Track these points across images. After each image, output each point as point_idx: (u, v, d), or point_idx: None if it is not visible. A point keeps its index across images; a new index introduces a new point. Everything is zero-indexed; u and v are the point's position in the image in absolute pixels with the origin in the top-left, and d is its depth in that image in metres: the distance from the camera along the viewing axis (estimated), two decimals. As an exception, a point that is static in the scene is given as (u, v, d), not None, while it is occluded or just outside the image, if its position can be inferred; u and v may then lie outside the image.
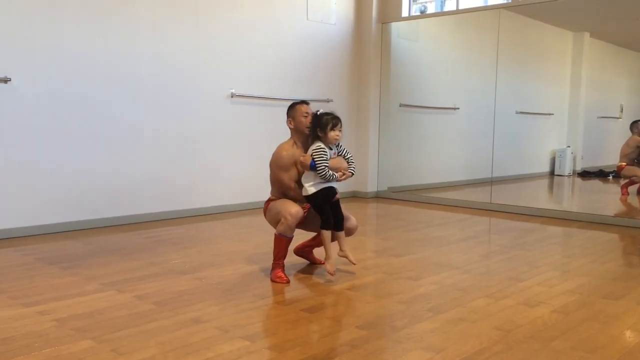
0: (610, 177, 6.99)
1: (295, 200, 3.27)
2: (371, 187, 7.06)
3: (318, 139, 3.22)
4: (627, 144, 6.30)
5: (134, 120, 4.93)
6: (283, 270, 3.26)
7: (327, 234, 3.26)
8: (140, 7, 4.89)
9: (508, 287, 3.16)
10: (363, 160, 7.00)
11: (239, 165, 5.69)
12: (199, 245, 4.17)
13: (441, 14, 6.93)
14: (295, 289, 3.11)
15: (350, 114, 6.90)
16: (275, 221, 3.27)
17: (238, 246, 4.15)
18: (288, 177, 3.26)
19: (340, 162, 3.29)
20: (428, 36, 7.48)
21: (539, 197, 7.31)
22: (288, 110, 3.35)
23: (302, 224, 3.30)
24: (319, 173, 3.15)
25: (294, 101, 3.40)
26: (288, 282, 3.20)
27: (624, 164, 6.27)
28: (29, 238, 4.29)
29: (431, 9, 7.10)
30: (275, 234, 3.23)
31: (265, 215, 3.40)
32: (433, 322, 2.59)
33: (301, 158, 3.21)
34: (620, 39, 7.06)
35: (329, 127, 3.18)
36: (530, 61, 7.42)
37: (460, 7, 6.57)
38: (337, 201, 3.31)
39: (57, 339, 2.32)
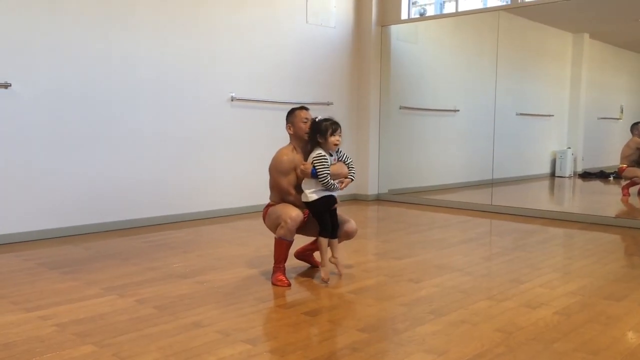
0: (611, 178, 6.99)
1: (294, 205, 3.27)
2: (372, 190, 7.05)
3: (318, 144, 3.22)
4: (627, 146, 6.31)
5: (134, 124, 4.93)
6: (284, 274, 3.26)
7: (324, 241, 3.27)
8: (140, 10, 4.90)
9: (509, 289, 3.16)
10: (363, 163, 7.00)
11: (239, 169, 5.69)
12: (199, 249, 4.17)
13: (440, 16, 6.94)
14: (296, 292, 3.11)
15: (351, 116, 6.90)
16: (275, 225, 3.26)
17: (238, 250, 4.15)
18: (287, 182, 3.26)
19: (341, 168, 3.29)
20: (427, 38, 7.49)
21: (539, 199, 7.30)
22: (287, 115, 3.36)
23: (302, 228, 3.30)
24: (321, 181, 3.15)
25: (293, 107, 3.40)
26: (289, 285, 3.20)
27: (624, 165, 6.27)
28: (29, 243, 4.29)
29: (430, 11, 7.10)
30: (275, 238, 3.23)
31: (264, 220, 3.39)
32: (435, 324, 2.58)
33: (302, 167, 3.21)
34: (620, 40, 7.06)
35: (328, 133, 3.18)
36: (530, 63, 7.42)
37: (460, 9, 6.58)
38: (335, 209, 3.31)
39: (58, 344, 2.32)
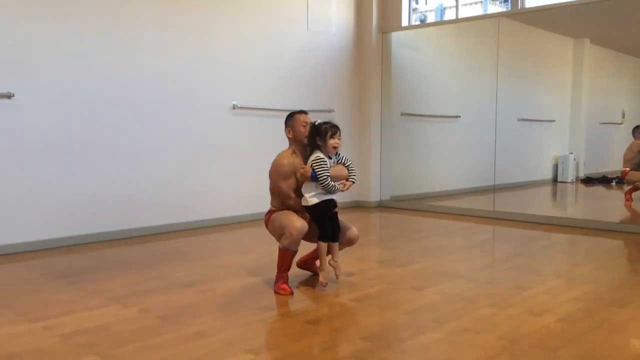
0: (614, 183, 6.98)
1: (294, 209, 3.28)
2: (374, 197, 7.06)
3: (317, 148, 3.22)
4: (630, 149, 6.30)
5: (136, 133, 4.95)
6: (287, 282, 3.26)
7: (324, 245, 3.26)
8: (142, 21, 4.93)
9: (513, 296, 3.15)
10: (365, 170, 7.01)
11: (241, 177, 5.70)
12: (202, 257, 4.17)
13: (441, 23, 6.96)
14: (299, 301, 3.11)
15: (352, 123, 6.91)
16: (279, 233, 3.27)
17: (241, 258, 4.15)
18: (287, 186, 3.26)
19: (341, 170, 3.29)
20: (428, 45, 7.51)
21: (542, 204, 7.30)
22: (287, 119, 3.37)
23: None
24: (321, 183, 3.15)
25: (292, 111, 3.41)
26: (292, 294, 3.20)
27: (627, 169, 6.27)
28: (33, 253, 4.30)
29: (431, 18, 7.13)
30: (279, 247, 3.23)
31: (266, 226, 3.40)
32: (438, 332, 2.58)
33: (301, 170, 3.22)
34: (621, 45, 7.07)
35: (328, 136, 3.19)
36: (531, 68, 7.43)
37: (460, 16, 6.60)
38: (336, 213, 3.31)
39: (62, 355, 2.33)
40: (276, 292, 3.22)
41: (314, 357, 2.30)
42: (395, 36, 7.01)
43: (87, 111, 4.63)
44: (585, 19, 6.42)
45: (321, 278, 3.28)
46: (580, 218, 5.82)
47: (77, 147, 4.60)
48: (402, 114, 7.21)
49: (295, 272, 3.59)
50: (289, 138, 3.36)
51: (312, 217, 3.28)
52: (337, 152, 3.32)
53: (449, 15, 6.94)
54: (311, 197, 3.20)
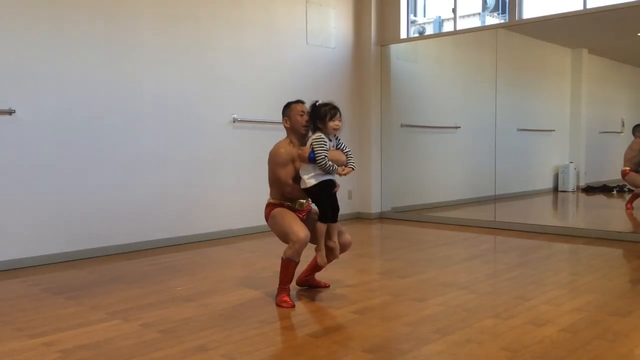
0: (615, 192, 6.97)
1: (293, 197, 3.27)
2: (375, 208, 7.05)
3: (318, 130, 3.21)
4: (630, 148, 6.28)
5: (137, 147, 4.97)
6: (289, 295, 3.25)
7: (323, 227, 3.24)
8: (143, 35, 4.97)
9: (515, 307, 3.14)
10: (366, 181, 7.01)
11: (242, 190, 5.71)
12: (203, 271, 4.16)
13: (439, 35, 7.00)
14: (301, 314, 3.10)
15: (352, 135, 6.93)
16: (281, 234, 3.26)
17: (242, 271, 4.14)
18: (285, 174, 3.26)
19: (339, 155, 3.26)
20: (427, 57, 7.55)
21: (543, 214, 7.29)
22: (284, 109, 3.38)
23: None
24: (319, 163, 3.12)
25: (289, 101, 3.41)
26: (293, 306, 3.19)
27: (627, 168, 6.24)
28: (33, 268, 4.30)
29: (429, 30, 7.17)
30: (282, 258, 3.21)
31: (267, 220, 3.38)
32: (440, 344, 2.57)
33: (299, 151, 3.20)
34: (619, 55, 7.10)
35: (327, 118, 3.18)
36: (530, 78, 7.46)
37: (458, 28, 6.64)
38: (335, 193, 3.28)
39: (62, 371, 2.32)
40: (278, 305, 3.20)
41: (316, 370, 2.29)
42: (394, 48, 7.05)
43: (86, 127, 4.65)
44: (583, 30, 6.45)
45: (319, 260, 3.26)
46: (581, 227, 5.81)
47: (77, 163, 4.61)
48: (402, 125, 7.23)
49: (296, 284, 3.58)
50: (286, 128, 3.36)
51: (311, 199, 3.27)
52: (337, 137, 3.29)
53: (447, 27, 6.98)
54: (309, 179, 3.17)
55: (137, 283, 3.79)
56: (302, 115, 3.30)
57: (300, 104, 3.35)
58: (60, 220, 4.52)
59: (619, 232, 5.49)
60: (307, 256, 3.54)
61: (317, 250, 3.29)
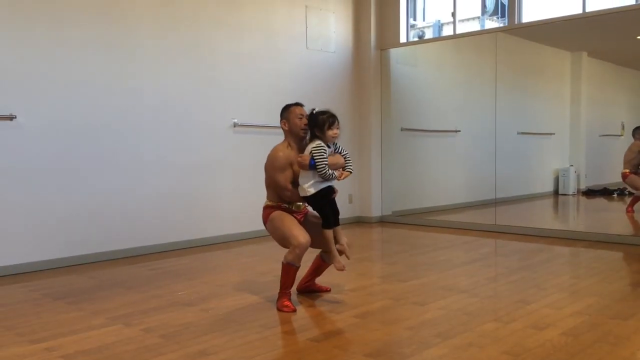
0: (615, 195, 6.98)
1: (291, 200, 3.27)
2: (375, 212, 7.05)
3: (316, 138, 3.21)
4: (630, 150, 6.28)
5: (137, 153, 4.98)
6: (290, 299, 3.25)
7: (330, 233, 3.23)
8: (143, 41, 4.98)
9: (516, 310, 3.14)
10: (366, 185, 7.02)
11: (242, 194, 5.71)
12: (203, 275, 4.16)
13: (439, 39, 7.02)
14: (302, 318, 3.10)
15: (352, 139, 6.94)
16: (280, 238, 3.26)
17: (243, 275, 4.14)
18: (284, 178, 3.25)
19: (337, 159, 3.26)
20: (427, 61, 7.57)
21: (544, 217, 7.29)
22: (282, 111, 3.37)
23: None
24: (320, 171, 3.12)
25: (287, 103, 3.41)
26: (294, 310, 3.18)
27: (627, 171, 6.24)
28: (35, 273, 4.30)
29: (429, 34, 7.19)
30: (283, 263, 3.21)
31: (265, 224, 3.38)
32: (441, 348, 2.57)
33: (299, 158, 3.20)
34: (618, 58, 7.12)
35: (326, 127, 3.18)
36: (530, 82, 7.48)
37: (458, 32, 6.66)
38: (333, 198, 3.28)
39: (64, 376, 2.31)
40: (279, 310, 3.20)
41: (317, 375, 2.29)
42: (394, 53, 7.07)
43: (87, 131, 4.66)
44: (582, 33, 6.47)
45: (336, 265, 3.24)
46: (582, 230, 5.81)
47: (77, 167, 4.61)
48: (402, 129, 7.23)
49: (297, 288, 3.58)
50: (284, 130, 3.36)
51: (312, 206, 3.27)
52: (334, 142, 3.30)
53: (447, 31, 7.00)
54: (309, 187, 3.17)
55: (138, 288, 3.79)
56: (300, 118, 3.29)
57: (299, 107, 3.35)
58: (61, 225, 4.52)
59: (619, 235, 5.49)
60: (308, 261, 3.54)
61: (331, 258, 3.26)
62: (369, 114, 6.96)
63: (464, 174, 7.62)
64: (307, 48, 6.40)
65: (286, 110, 3.36)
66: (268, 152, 3.41)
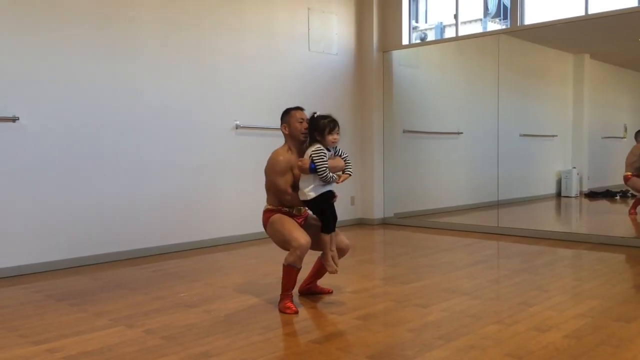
0: (618, 197, 6.97)
1: (292, 204, 3.27)
2: (377, 214, 7.05)
3: (316, 141, 3.22)
4: (631, 153, 6.27)
5: (140, 154, 4.98)
6: (292, 301, 3.25)
7: (327, 238, 3.25)
8: (145, 43, 4.99)
9: (518, 313, 3.13)
10: (368, 187, 7.02)
11: (244, 196, 5.71)
12: (206, 277, 4.16)
13: (441, 41, 7.02)
14: (304, 320, 3.09)
15: (355, 141, 6.94)
16: (280, 242, 3.26)
17: (245, 277, 4.14)
18: (284, 182, 3.25)
19: (337, 162, 3.27)
20: (429, 63, 7.57)
21: (546, 219, 7.28)
22: (282, 115, 3.38)
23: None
24: (320, 175, 3.12)
25: (288, 107, 3.41)
26: (297, 312, 3.18)
27: (629, 174, 6.23)
28: (37, 275, 4.31)
29: (431, 36, 7.19)
30: (284, 265, 3.22)
31: (265, 228, 3.38)
32: (444, 350, 2.57)
33: (299, 162, 3.20)
34: (621, 60, 7.11)
35: (326, 131, 3.19)
36: (532, 84, 7.47)
37: (460, 34, 6.66)
38: (333, 203, 3.29)
39: (66, 377, 2.32)
40: (281, 311, 3.20)
41: (320, 377, 2.29)
42: (396, 55, 7.07)
43: (89, 133, 4.67)
44: (585, 35, 6.47)
45: (330, 270, 3.26)
46: (584, 233, 5.79)
47: (79, 169, 4.62)
48: (404, 131, 7.24)
49: (298, 289, 3.58)
50: (284, 134, 3.37)
51: (311, 211, 3.28)
52: (335, 146, 3.30)
53: (449, 33, 7.00)
54: (309, 192, 3.18)
55: (141, 289, 3.80)
56: (301, 122, 3.30)
57: (300, 111, 3.35)
58: (63, 227, 4.53)
59: (622, 237, 5.48)
60: (309, 262, 3.55)
61: (324, 261, 3.28)
62: (371, 116, 6.96)
63: (466, 176, 7.62)
64: (309, 50, 6.41)
65: (287, 114, 3.36)
66: (270, 155, 3.41)
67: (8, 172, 4.25)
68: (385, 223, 7.07)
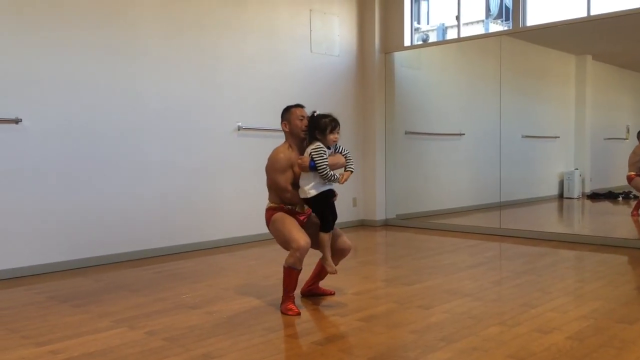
0: (620, 199, 6.95)
1: (292, 202, 3.28)
2: (379, 215, 7.05)
3: (316, 140, 3.22)
4: (634, 152, 6.26)
5: (142, 156, 4.99)
6: (294, 302, 3.25)
7: (326, 237, 3.25)
8: (147, 45, 5.00)
9: (521, 314, 3.13)
10: (370, 188, 7.01)
11: (246, 197, 5.72)
12: (208, 278, 4.17)
13: (443, 42, 7.02)
14: (306, 321, 3.09)
15: (357, 142, 6.94)
16: (282, 243, 3.26)
17: (247, 279, 4.15)
18: (284, 180, 3.26)
19: (338, 159, 3.28)
20: (431, 64, 7.57)
21: (548, 221, 7.27)
22: (283, 113, 3.38)
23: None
24: (321, 173, 3.12)
25: (288, 105, 3.42)
26: (299, 314, 3.18)
27: (633, 173, 6.21)
28: (40, 276, 4.31)
29: (433, 37, 7.19)
30: (284, 267, 3.22)
31: (267, 226, 3.38)
32: (446, 351, 2.56)
33: (299, 160, 3.21)
34: (623, 61, 7.10)
35: (328, 131, 3.19)
36: (534, 85, 7.46)
37: (462, 35, 6.66)
38: (333, 202, 3.29)
39: (69, 379, 2.32)
40: (283, 313, 3.20)
41: (322, 378, 2.29)
42: (398, 56, 7.07)
43: (93, 135, 4.68)
44: (587, 36, 6.46)
45: (329, 269, 3.26)
46: (587, 234, 5.78)
47: (83, 171, 4.63)
48: (406, 133, 7.23)
49: (300, 291, 3.58)
50: (285, 132, 3.37)
51: (312, 209, 3.28)
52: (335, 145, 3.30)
53: (451, 34, 7.00)
54: (310, 189, 3.18)
55: (143, 291, 3.80)
56: (301, 119, 3.30)
57: (300, 108, 3.35)
58: (65, 228, 4.54)
59: (624, 238, 5.47)
60: (310, 263, 3.55)
61: (324, 261, 3.29)
62: (373, 117, 6.96)
63: (468, 177, 7.61)
64: (311, 51, 6.41)
65: (287, 112, 3.37)
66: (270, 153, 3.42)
67: (11, 173, 4.26)
68: (387, 224, 7.06)
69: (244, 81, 5.74)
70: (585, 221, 7.32)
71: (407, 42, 6.95)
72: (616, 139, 7.11)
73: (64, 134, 4.52)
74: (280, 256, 3.84)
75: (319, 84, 6.46)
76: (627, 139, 7.00)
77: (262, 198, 5.60)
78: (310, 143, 3.24)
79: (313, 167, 3.12)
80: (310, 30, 6.41)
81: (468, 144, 7.49)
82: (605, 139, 7.17)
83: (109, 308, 3.38)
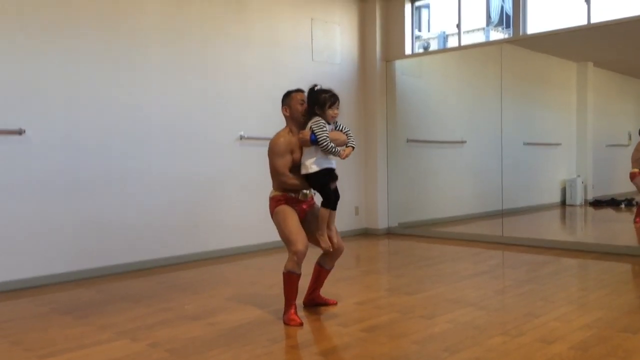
0: (623, 206, 6.94)
1: (293, 189, 3.28)
2: (382, 224, 7.04)
3: (315, 115, 3.22)
4: (636, 149, 6.22)
5: (145, 166, 5.00)
6: (296, 312, 3.24)
7: (326, 212, 3.25)
8: (150, 56, 5.02)
9: (524, 324, 3.12)
10: (372, 197, 7.01)
11: (249, 207, 5.72)
12: (210, 289, 4.16)
13: (444, 50, 7.04)
14: (309, 332, 3.09)
15: (358, 150, 6.94)
16: (282, 239, 3.27)
17: (249, 289, 4.14)
18: (283, 164, 3.27)
19: (339, 135, 3.30)
20: (432, 72, 7.59)
21: (551, 229, 7.25)
22: (283, 98, 3.42)
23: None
24: (321, 144, 3.13)
25: (289, 89, 3.43)
26: (301, 324, 3.18)
27: (636, 170, 6.17)
28: (42, 288, 4.31)
29: (434, 45, 7.22)
30: (283, 272, 3.21)
31: (272, 216, 3.38)
32: (449, 362, 2.55)
33: (300, 135, 3.22)
34: (624, 68, 7.11)
35: (327, 106, 3.21)
36: (535, 92, 7.47)
37: (463, 43, 6.67)
38: (336, 187, 3.30)
39: (71, 392, 2.32)
40: (285, 323, 3.20)
41: (324, 390, 2.28)
42: (399, 64, 7.09)
43: (96, 147, 4.69)
44: (588, 43, 6.47)
45: (323, 245, 3.26)
46: (590, 242, 5.76)
47: (86, 182, 4.64)
48: (407, 141, 7.24)
49: (302, 302, 3.57)
50: (285, 116, 3.40)
51: (312, 185, 3.27)
52: (335, 122, 3.31)
53: (452, 42, 7.02)
54: (312, 164, 3.19)
55: (145, 301, 3.80)
56: (302, 104, 3.34)
57: (301, 93, 3.39)
58: (68, 239, 4.54)
59: (627, 246, 5.45)
60: (308, 274, 3.54)
61: (319, 236, 3.27)
62: (375, 125, 6.97)
63: (470, 185, 7.60)
64: (312, 60, 6.43)
65: (287, 97, 3.41)
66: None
67: (14, 184, 4.27)
68: (389, 233, 7.05)
69: (246, 90, 5.75)
70: (588, 229, 7.30)
71: (408, 51, 6.97)
72: (618, 145, 7.11)
73: (67, 144, 4.53)
74: (283, 266, 3.84)
75: (320, 92, 6.46)
76: (628, 145, 6.99)
77: (264, 207, 5.59)
78: (309, 118, 3.24)
79: (314, 141, 3.14)
80: (312, 39, 6.43)
81: (470, 151, 7.49)
82: (607, 146, 7.17)
83: (111, 319, 3.38)
